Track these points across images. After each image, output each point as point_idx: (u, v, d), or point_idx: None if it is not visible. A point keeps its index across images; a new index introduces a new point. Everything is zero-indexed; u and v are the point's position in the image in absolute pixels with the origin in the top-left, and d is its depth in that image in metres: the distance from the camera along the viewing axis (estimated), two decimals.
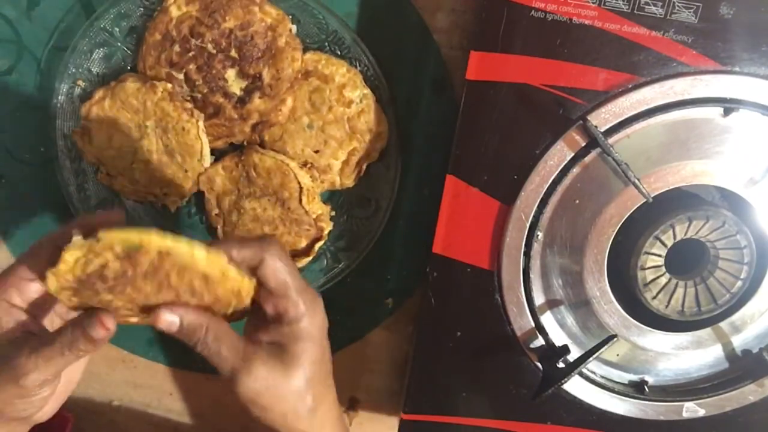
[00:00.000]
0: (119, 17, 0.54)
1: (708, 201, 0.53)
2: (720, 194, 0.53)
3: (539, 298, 0.54)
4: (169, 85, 0.53)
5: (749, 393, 0.55)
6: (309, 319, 0.43)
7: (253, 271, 0.41)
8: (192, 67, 0.54)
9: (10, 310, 0.41)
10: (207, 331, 0.40)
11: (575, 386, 0.56)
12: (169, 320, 0.39)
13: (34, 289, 0.42)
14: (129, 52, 0.56)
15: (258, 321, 0.44)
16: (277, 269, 0.41)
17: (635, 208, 0.51)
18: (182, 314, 0.40)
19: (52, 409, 0.44)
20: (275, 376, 0.42)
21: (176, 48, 0.53)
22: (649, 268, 0.52)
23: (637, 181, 0.49)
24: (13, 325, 0.41)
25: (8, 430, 0.43)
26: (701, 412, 0.56)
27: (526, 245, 0.53)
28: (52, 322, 0.44)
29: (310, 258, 0.58)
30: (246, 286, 0.41)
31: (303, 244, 0.58)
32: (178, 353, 0.65)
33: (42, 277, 0.38)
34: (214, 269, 0.38)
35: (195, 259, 0.37)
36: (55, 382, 0.42)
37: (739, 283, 0.52)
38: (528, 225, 0.52)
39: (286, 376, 0.42)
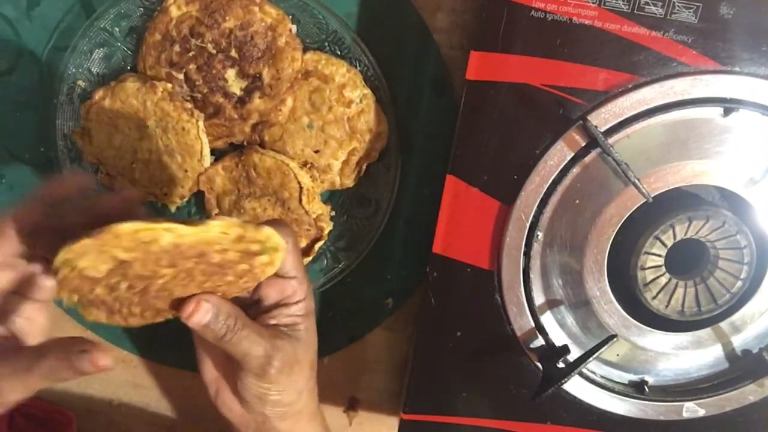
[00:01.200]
0: (119, 17, 0.54)
1: (708, 201, 0.53)
2: (720, 194, 0.53)
3: (539, 298, 0.54)
4: (169, 85, 0.54)
5: (749, 393, 0.55)
6: (309, 299, 0.45)
7: None
8: (192, 67, 0.54)
9: None
10: (236, 321, 0.41)
11: (575, 386, 0.56)
12: (206, 308, 0.39)
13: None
14: (129, 52, 0.56)
15: (249, 312, 0.44)
16: (293, 252, 0.43)
17: (635, 208, 0.51)
18: (215, 303, 0.40)
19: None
20: (299, 351, 0.44)
21: (176, 48, 0.53)
22: (649, 268, 0.52)
23: (637, 181, 0.49)
24: None
25: None
26: (701, 412, 0.56)
27: (526, 245, 0.52)
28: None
29: (310, 258, 0.58)
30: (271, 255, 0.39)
31: (303, 244, 0.58)
32: (178, 353, 0.65)
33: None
34: (229, 233, 0.36)
35: (209, 228, 0.36)
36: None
37: (739, 283, 0.52)
38: (528, 225, 0.52)
39: (305, 350, 0.44)
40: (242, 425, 0.47)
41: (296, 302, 0.44)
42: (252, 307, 0.45)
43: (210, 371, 0.47)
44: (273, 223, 0.41)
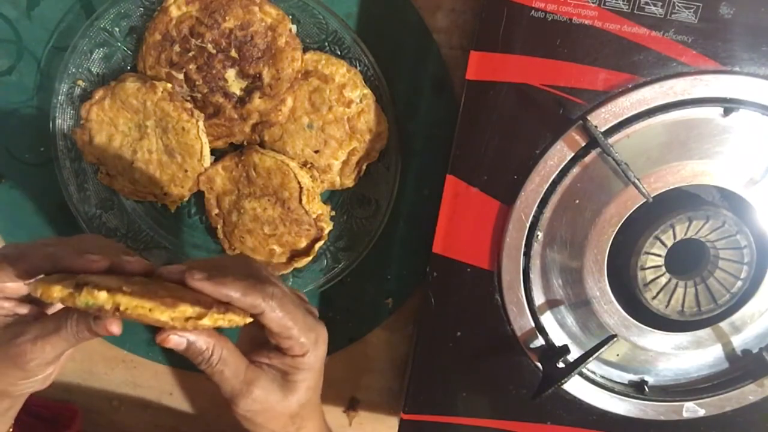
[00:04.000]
0: (119, 17, 0.54)
1: (708, 201, 0.53)
2: (720, 194, 0.53)
3: (539, 298, 0.54)
4: (169, 85, 0.53)
5: (749, 393, 0.55)
6: (312, 353, 0.44)
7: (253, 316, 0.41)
8: (192, 67, 0.54)
9: None
10: (212, 353, 0.41)
11: (575, 386, 0.56)
12: (177, 341, 0.40)
13: (19, 287, 0.41)
14: (129, 52, 0.56)
15: (258, 339, 0.45)
16: (279, 319, 0.41)
17: (635, 208, 0.51)
18: (189, 335, 0.40)
19: (51, 380, 0.44)
20: (272, 401, 0.44)
21: (176, 48, 0.53)
22: (649, 268, 0.52)
23: (637, 181, 0.49)
24: (3, 312, 0.41)
25: (8, 404, 0.44)
26: (701, 412, 0.56)
27: (526, 245, 0.52)
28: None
29: (310, 258, 0.58)
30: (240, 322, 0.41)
31: (303, 244, 0.58)
32: (179, 353, 0.65)
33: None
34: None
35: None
36: (59, 360, 0.42)
37: (739, 283, 0.52)
38: (528, 225, 0.52)
39: (282, 401, 0.44)
40: None
41: (293, 356, 0.43)
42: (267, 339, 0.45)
43: None
44: (261, 287, 0.41)
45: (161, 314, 0.36)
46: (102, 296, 0.36)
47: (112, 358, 0.66)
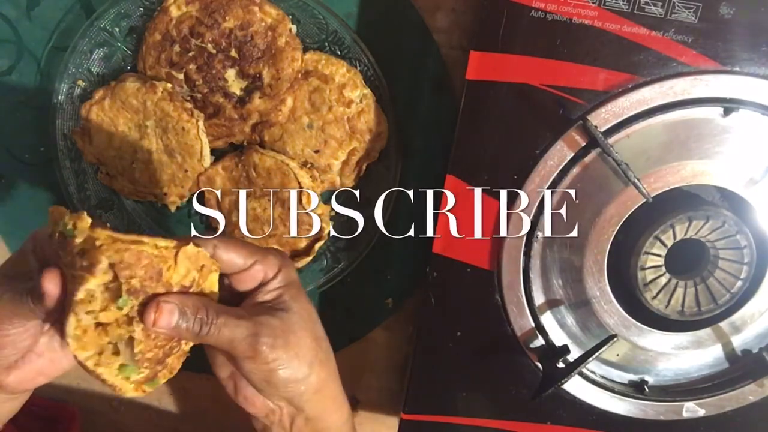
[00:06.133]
0: (119, 17, 0.54)
1: (708, 201, 0.53)
2: (720, 194, 0.53)
3: (539, 298, 0.54)
4: (169, 85, 0.54)
5: (749, 393, 0.55)
6: (285, 269, 0.44)
7: None
8: (192, 67, 0.54)
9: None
10: (208, 310, 0.39)
11: (575, 386, 0.56)
12: (169, 308, 0.37)
13: None
14: (129, 52, 0.56)
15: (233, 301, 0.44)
16: (231, 252, 0.41)
17: (635, 208, 0.51)
18: (178, 300, 0.38)
19: (19, 381, 0.42)
20: (286, 323, 0.42)
21: (176, 48, 0.53)
22: (649, 268, 0.52)
23: (637, 181, 0.49)
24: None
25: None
26: (701, 412, 0.56)
27: (526, 245, 0.53)
28: None
29: (310, 258, 0.58)
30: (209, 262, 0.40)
31: (303, 244, 0.58)
32: None
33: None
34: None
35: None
36: (22, 344, 0.40)
37: (739, 283, 0.52)
38: (528, 225, 0.52)
39: (298, 319, 0.42)
40: (270, 419, 0.45)
41: (271, 278, 0.43)
42: (235, 297, 0.44)
43: (224, 369, 0.45)
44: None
45: (145, 245, 0.35)
46: (86, 221, 0.34)
47: None
